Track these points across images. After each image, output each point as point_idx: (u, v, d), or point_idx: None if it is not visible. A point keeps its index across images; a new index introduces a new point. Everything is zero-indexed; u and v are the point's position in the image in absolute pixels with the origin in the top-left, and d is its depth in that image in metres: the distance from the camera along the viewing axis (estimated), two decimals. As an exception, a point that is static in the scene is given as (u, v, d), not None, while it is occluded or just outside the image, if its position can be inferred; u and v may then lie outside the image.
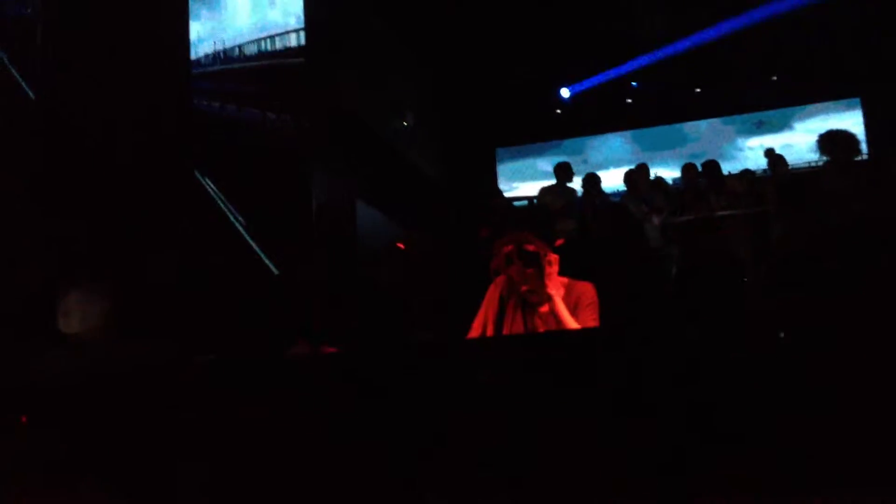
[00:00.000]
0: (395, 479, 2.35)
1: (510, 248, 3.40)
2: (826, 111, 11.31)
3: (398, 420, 2.43)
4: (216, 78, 7.40)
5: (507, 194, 11.72)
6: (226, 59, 7.47)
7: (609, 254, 5.33)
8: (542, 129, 12.21)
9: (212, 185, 6.67)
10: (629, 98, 11.79)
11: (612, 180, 9.89)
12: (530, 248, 3.40)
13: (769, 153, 8.63)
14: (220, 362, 3.07)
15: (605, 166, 11.84)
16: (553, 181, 8.37)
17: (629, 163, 11.74)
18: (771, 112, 11.63)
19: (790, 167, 8.55)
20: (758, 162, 10.21)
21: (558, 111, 11.96)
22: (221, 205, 6.46)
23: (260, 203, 6.52)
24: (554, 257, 3.43)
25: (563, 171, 8.27)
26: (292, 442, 2.49)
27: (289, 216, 6.46)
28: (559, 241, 7.39)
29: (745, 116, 11.85)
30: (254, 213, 6.52)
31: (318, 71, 7.28)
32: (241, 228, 5.92)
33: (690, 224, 6.87)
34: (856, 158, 5.95)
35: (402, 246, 5.95)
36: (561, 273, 3.48)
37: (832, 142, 5.88)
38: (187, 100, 7.11)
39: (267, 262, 5.95)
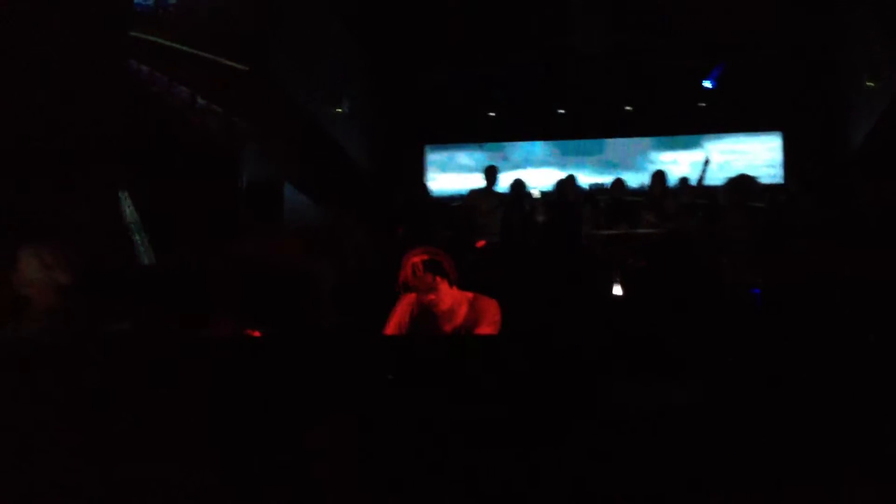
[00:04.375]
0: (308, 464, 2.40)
1: (417, 259, 3.53)
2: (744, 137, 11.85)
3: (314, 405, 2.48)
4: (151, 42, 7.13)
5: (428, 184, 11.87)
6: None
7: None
8: (472, 131, 12.34)
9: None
10: (561, 109, 12.01)
11: (531, 180, 10.09)
12: (437, 259, 3.55)
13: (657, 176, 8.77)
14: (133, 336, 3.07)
15: (524, 166, 12.11)
16: (463, 176, 8.43)
17: (547, 165, 12.06)
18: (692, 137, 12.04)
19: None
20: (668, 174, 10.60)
21: (491, 114, 12.10)
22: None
23: (182, 184, 6.31)
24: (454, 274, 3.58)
25: (491, 175, 8.38)
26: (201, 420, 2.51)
27: (214, 197, 6.33)
28: (480, 243, 7.54)
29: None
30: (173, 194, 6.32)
31: (255, 56, 7.19)
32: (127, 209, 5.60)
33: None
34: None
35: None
36: (480, 275, 3.64)
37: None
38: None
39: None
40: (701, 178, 8.22)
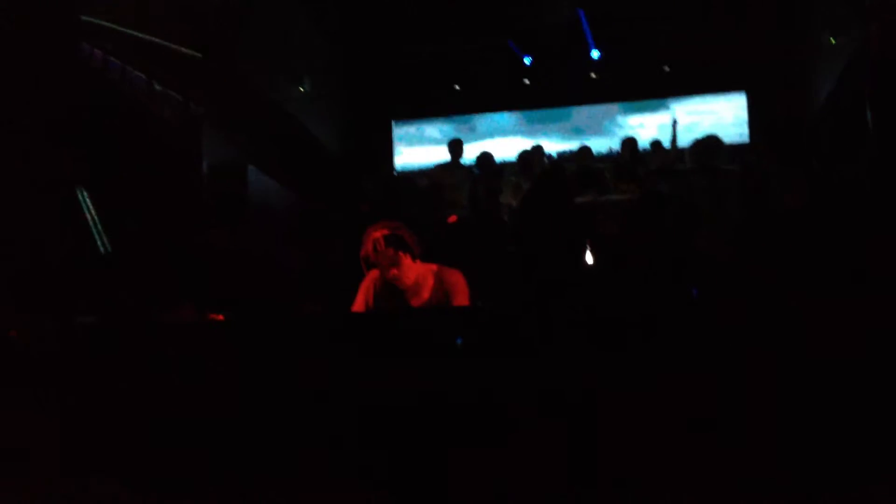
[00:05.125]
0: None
1: (378, 234, 3.48)
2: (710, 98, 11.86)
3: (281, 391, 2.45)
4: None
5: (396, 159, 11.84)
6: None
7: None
8: (439, 104, 12.25)
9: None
10: (526, 79, 11.96)
11: (499, 151, 10.07)
12: (398, 233, 3.49)
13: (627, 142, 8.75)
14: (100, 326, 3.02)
15: (492, 135, 12.08)
16: (431, 149, 8.37)
17: (514, 133, 12.02)
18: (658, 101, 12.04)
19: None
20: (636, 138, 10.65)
21: (456, 87, 12.02)
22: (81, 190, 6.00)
23: (142, 172, 6.16)
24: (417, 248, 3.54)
25: (456, 148, 8.32)
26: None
27: (175, 183, 6.20)
28: (452, 218, 7.49)
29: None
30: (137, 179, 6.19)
31: (213, 40, 7.06)
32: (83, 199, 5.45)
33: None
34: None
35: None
36: (453, 250, 3.60)
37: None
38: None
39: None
40: (673, 140, 8.21)
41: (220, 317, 3.41)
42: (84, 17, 5.99)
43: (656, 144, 8.75)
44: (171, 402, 2.49)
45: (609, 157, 9.49)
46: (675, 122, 8.21)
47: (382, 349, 2.49)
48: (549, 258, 4.85)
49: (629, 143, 8.46)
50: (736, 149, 9.24)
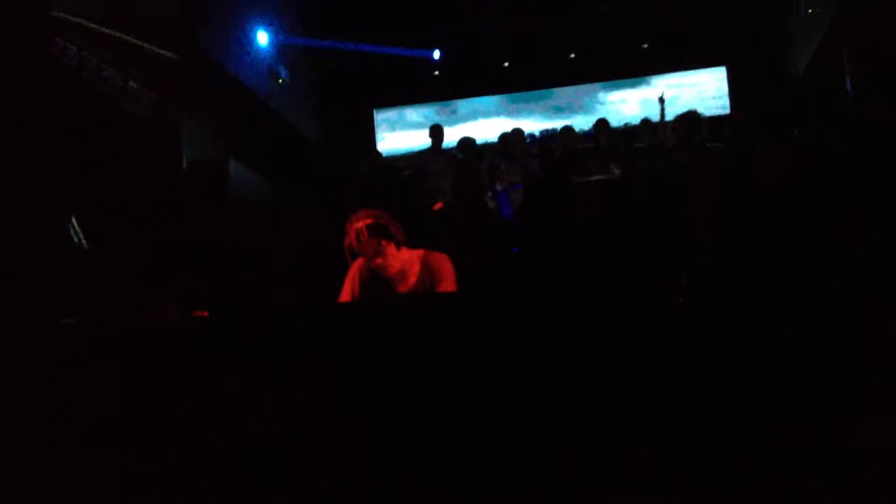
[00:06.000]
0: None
1: (361, 224, 3.45)
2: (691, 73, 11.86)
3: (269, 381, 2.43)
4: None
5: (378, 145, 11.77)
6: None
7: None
8: (419, 90, 12.19)
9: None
10: (506, 62, 11.92)
11: (481, 132, 10.04)
12: (381, 221, 3.47)
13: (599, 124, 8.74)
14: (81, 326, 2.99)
15: (474, 118, 12.03)
16: (413, 133, 8.33)
17: (496, 115, 12.00)
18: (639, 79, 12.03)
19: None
20: (617, 116, 10.71)
21: (436, 73, 11.96)
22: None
23: (120, 169, 6.08)
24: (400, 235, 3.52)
25: (437, 134, 8.28)
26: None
27: (157, 176, 6.14)
28: (438, 205, 7.46)
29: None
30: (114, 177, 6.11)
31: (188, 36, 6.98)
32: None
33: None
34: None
35: None
36: (441, 236, 3.57)
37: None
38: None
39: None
40: (662, 116, 8.19)
41: (205, 314, 3.38)
42: (55, 13, 5.90)
43: (645, 122, 8.72)
44: (158, 402, 2.46)
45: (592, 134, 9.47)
46: (662, 99, 8.17)
47: (373, 338, 2.46)
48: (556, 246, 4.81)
49: (601, 124, 8.46)
50: (718, 120, 9.23)
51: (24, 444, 2.43)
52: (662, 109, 8.14)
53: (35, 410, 2.45)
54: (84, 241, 4.69)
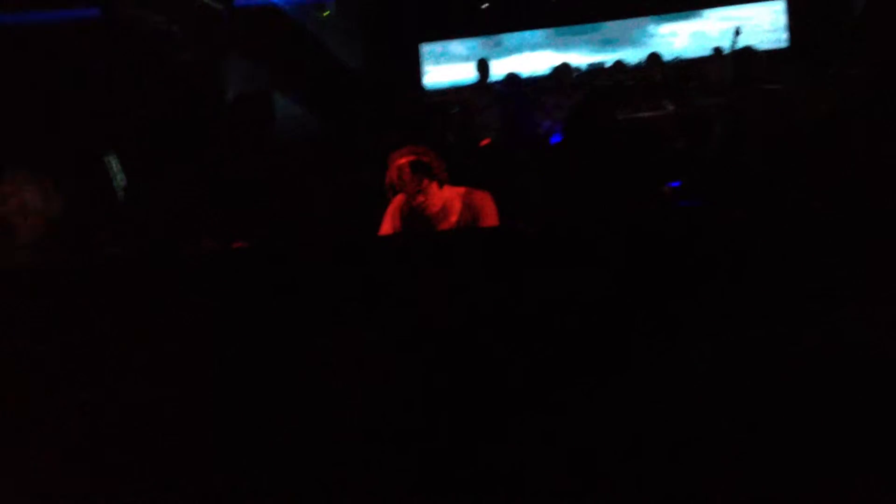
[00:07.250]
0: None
1: (403, 160, 3.39)
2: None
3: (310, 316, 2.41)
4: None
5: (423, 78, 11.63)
6: None
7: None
8: (465, 23, 11.97)
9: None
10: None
11: (527, 66, 9.85)
12: (424, 159, 3.40)
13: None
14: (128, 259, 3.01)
15: (520, 51, 11.80)
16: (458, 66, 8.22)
17: (542, 48, 11.74)
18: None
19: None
20: (668, 50, 10.42)
21: (484, 5, 11.71)
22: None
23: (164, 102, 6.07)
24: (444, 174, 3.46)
25: (484, 68, 8.17)
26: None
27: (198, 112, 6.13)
28: (485, 141, 7.38)
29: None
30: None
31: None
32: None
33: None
34: None
35: None
36: (486, 172, 3.52)
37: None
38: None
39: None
40: (733, 48, 7.92)
41: (245, 244, 3.39)
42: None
43: (718, 50, 8.42)
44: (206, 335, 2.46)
45: (640, 68, 9.20)
46: (738, 31, 7.76)
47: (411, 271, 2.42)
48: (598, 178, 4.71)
49: (654, 58, 8.27)
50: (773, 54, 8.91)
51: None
52: (735, 41, 7.83)
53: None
54: (122, 179, 4.72)
